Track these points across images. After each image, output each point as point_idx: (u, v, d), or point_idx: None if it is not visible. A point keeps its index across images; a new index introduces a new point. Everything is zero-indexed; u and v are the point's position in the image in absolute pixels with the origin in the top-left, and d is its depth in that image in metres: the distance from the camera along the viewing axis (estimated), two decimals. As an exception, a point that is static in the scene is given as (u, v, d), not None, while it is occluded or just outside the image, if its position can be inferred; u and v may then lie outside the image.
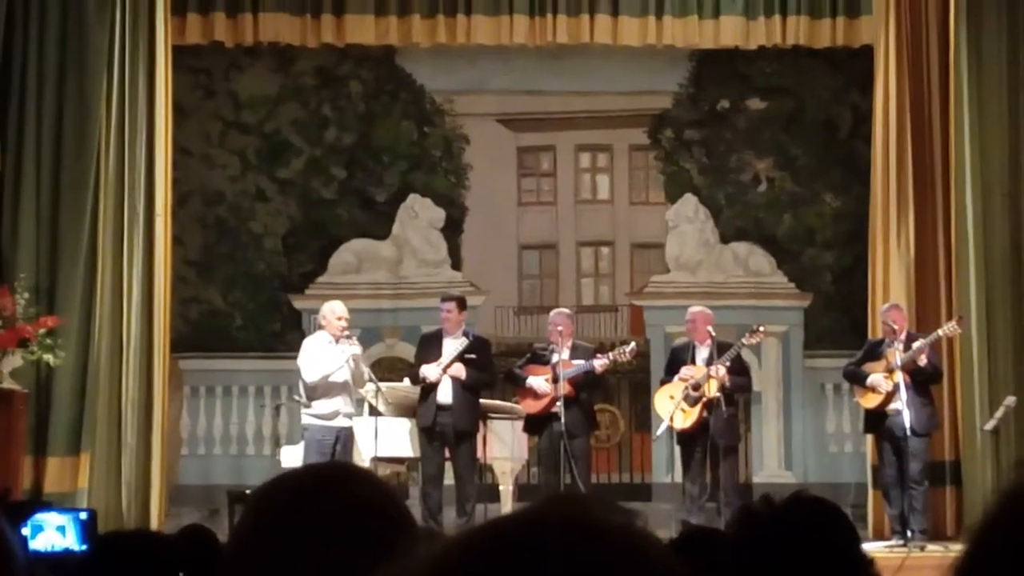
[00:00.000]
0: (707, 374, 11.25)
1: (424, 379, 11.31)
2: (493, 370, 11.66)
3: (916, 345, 11.18)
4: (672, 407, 11.36)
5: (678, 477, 12.05)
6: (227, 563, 1.83)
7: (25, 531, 6.67)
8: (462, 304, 11.70)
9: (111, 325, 12.28)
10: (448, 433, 11.26)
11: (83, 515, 7.17)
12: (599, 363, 11.39)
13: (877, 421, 11.41)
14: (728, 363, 11.34)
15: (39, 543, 6.85)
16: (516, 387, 11.70)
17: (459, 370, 11.27)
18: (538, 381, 11.37)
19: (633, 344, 11.76)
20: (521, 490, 12.14)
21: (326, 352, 11.16)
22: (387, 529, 1.75)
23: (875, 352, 11.47)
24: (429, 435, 11.32)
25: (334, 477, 1.85)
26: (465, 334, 11.47)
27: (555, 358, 11.34)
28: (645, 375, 14.01)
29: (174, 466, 13.53)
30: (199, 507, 13.20)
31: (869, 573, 2.82)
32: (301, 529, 1.74)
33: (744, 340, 11.64)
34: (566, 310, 12.05)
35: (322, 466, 2.01)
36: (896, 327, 11.29)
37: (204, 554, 3.76)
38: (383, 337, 14.29)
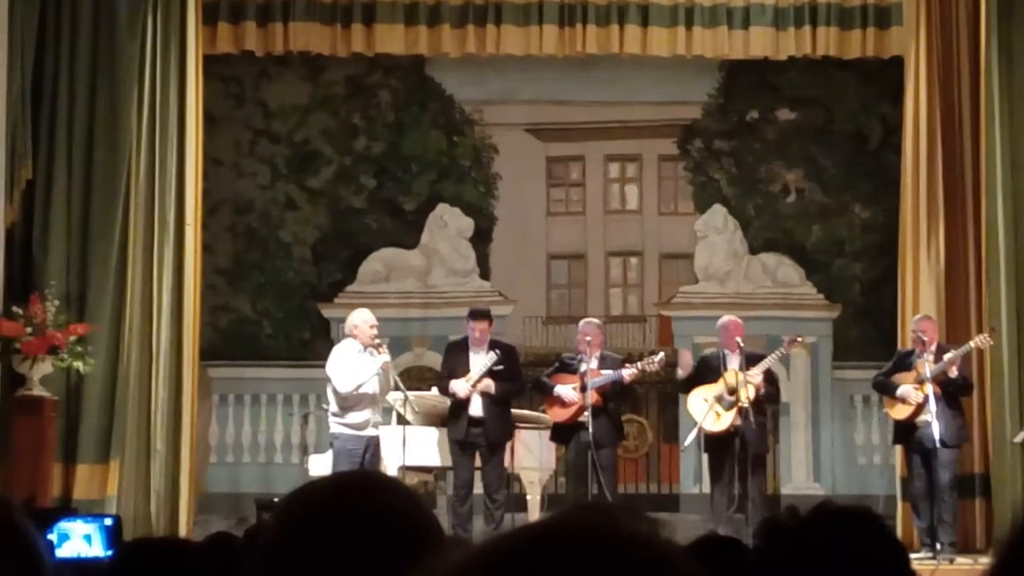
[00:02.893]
0: (744, 379, 11.23)
1: (454, 394, 11.32)
2: (521, 378, 11.67)
3: (947, 356, 11.13)
4: (706, 409, 11.33)
5: (706, 488, 12.03)
6: (254, 571, 1.84)
7: (51, 538, 6.71)
8: (489, 319, 11.71)
9: (141, 333, 12.33)
10: (481, 445, 11.29)
11: (108, 521, 7.21)
12: (627, 373, 11.38)
13: (907, 432, 11.37)
14: (764, 371, 11.34)
15: (65, 551, 6.88)
16: (543, 396, 11.69)
17: (488, 386, 11.28)
18: (566, 390, 11.37)
19: (662, 354, 11.75)
20: (548, 500, 12.13)
21: (357, 361, 11.18)
22: (415, 538, 1.75)
23: (905, 363, 11.43)
24: (461, 447, 11.35)
25: (362, 485, 1.85)
26: (492, 347, 11.46)
27: (583, 367, 11.33)
28: (673, 386, 13.98)
29: (202, 474, 13.56)
30: (227, 515, 13.23)
31: None
32: (328, 537, 1.74)
33: (783, 349, 11.64)
34: (595, 320, 12.03)
35: (350, 474, 2.01)
36: (926, 338, 11.25)
37: (229, 562, 3.76)
38: (412, 346, 14.31)
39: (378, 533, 1.74)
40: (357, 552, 1.73)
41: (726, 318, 11.79)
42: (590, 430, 11.09)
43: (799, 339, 11.84)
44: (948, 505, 11.19)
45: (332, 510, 1.78)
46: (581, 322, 11.92)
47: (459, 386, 11.30)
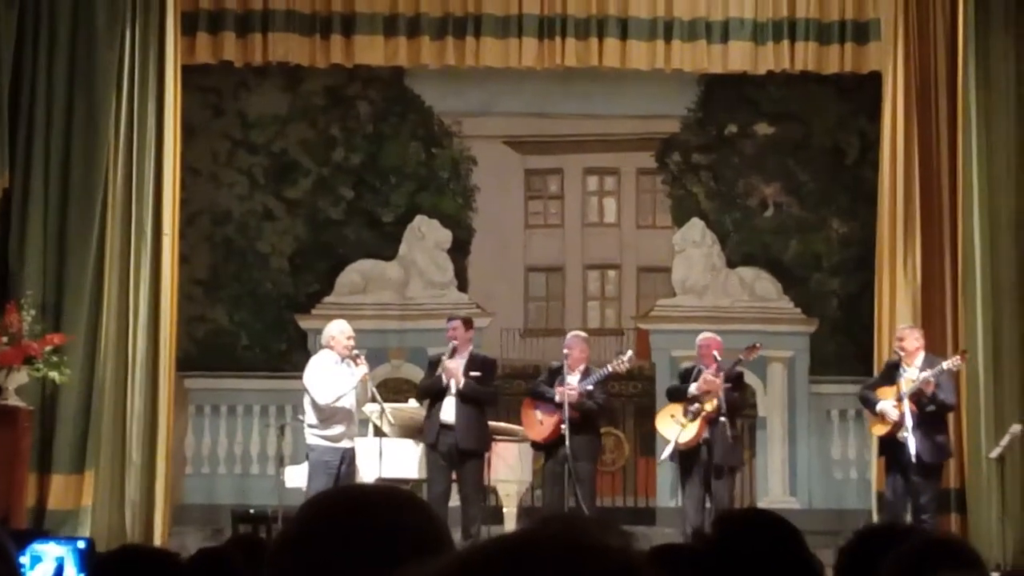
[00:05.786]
0: (712, 389, 11.22)
1: (439, 375, 11.28)
2: (494, 389, 11.61)
3: (922, 376, 11.09)
4: (674, 425, 11.34)
5: (682, 501, 12.01)
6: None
7: (24, 560, 6.68)
8: (468, 323, 11.73)
9: (117, 343, 12.30)
10: (452, 452, 11.25)
11: (81, 544, 7.20)
12: (595, 378, 11.35)
13: (889, 447, 11.32)
14: (726, 380, 11.27)
15: (37, 573, 6.86)
16: (536, 401, 11.61)
17: (457, 370, 11.23)
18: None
19: (631, 352, 11.75)
20: (525, 512, 12.12)
21: (335, 373, 11.15)
22: (427, 555, 1.74)
23: (891, 375, 11.34)
24: (434, 455, 11.33)
25: (381, 501, 1.84)
26: (473, 359, 11.47)
27: (567, 380, 11.33)
28: (650, 399, 14.01)
29: (178, 485, 13.52)
30: (203, 526, 13.19)
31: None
32: (342, 553, 1.74)
33: (742, 356, 11.59)
34: (581, 333, 12.01)
35: (369, 488, 2.00)
36: (904, 348, 11.24)
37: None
38: (389, 358, 14.28)
39: (392, 550, 1.74)
40: (369, 570, 1.72)
41: (705, 335, 11.75)
42: (567, 444, 11.09)
43: (757, 346, 11.78)
44: (927, 523, 11.12)
45: (355, 523, 1.77)
46: (570, 336, 11.92)
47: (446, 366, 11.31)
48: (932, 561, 2.75)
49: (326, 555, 1.75)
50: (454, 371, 11.27)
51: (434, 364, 11.63)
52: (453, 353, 11.41)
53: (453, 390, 11.29)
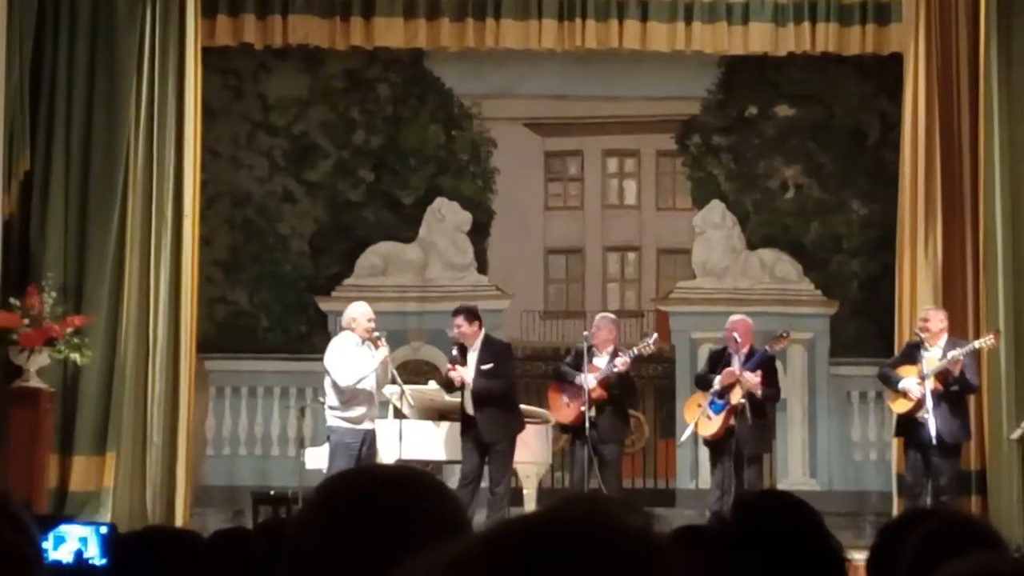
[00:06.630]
0: (734, 381, 11.21)
1: (449, 380, 11.34)
2: (507, 375, 11.53)
3: (951, 354, 11.07)
4: (700, 415, 11.34)
5: (702, 483, 12.06)
6: (292, 556, 1.83)
7: (47, 544, 6.73)
8: (471, 315, 11.62)
9: (138, 325, 12.34)
10: (479, 443, 11.26)
11: (103, 529, 7.24)
12: (620, 361, 11.35)
13: (907, 427, 11.31)
14: (758, 370, 11.26)
15: (61, 554, 6.90)
16: (561, 383, 11.62)
17: (459, 375, 11.25)
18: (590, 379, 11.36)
19: (655, 335, 11.76)
20: (545, 494, 12.12)
21: (357, 355, 11.17)
22: (443, 538, 1.75)
23: (912, 355, 11.34)
24: (465, 439, 11.36)
25: (405, 481, 1.84)
26: (487, 344, 11.44)
27: (596, 362, 11.35)
28: (670, 381, 14.00)
29: (199, 466, 13.56)
30: (223, 508, 13.24)
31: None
32: (367, 530, 1.74)
33: (768, 346, 11.57)
34: (609, 315, 12.04)
35: (392, 469, 2.00)
36: (928, 328, 11.21)
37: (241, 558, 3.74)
38: (408, 340, 14.29)
39: (409, 530, 1.74)
40: (387, 550, 1.73)
41: (733, 317, 11.74)
42: (586, 425, 11.11)
43: (784, 335, 11.76)
44: (947, 503, 11.09)
45: (364, 505, 1.77)
46: (598, 316, 11.97)
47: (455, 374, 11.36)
48: (953, 542, 2.75)
49: (345, 535, 1.75)
50: (454, 378, 11.30)
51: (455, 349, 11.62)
52: (463, 350, 11.38)
53: (468, 388, 11.29)
